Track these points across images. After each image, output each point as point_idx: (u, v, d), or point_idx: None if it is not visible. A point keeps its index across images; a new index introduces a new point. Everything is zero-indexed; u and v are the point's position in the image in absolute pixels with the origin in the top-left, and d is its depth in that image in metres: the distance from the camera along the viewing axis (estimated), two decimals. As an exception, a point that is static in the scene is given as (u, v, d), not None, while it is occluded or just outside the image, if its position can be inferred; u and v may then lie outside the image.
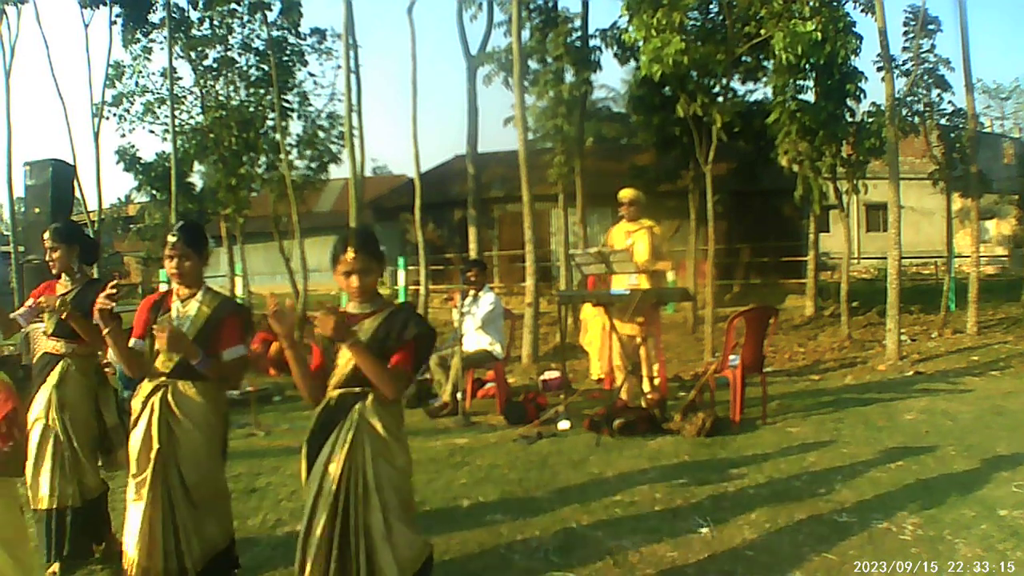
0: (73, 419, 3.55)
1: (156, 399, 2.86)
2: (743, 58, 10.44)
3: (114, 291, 2.84)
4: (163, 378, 2.90)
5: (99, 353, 3.79)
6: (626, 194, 6.79)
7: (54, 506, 3.44)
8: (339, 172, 17.69)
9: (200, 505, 2.85)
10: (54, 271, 3.71)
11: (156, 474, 2.78)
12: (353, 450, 2.47)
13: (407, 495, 2.60)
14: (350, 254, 2.52)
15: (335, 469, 2.46)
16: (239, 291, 15.16)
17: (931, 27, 10.44)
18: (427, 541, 2.67)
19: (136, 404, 2.90)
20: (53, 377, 3.58)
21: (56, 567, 3.46)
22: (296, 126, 15.39)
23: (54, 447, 3.48)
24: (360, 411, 2.51)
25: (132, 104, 14.79)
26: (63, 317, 3.45)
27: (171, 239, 2.91)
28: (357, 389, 2.54)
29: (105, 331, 2.82)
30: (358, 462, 2.47)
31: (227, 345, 2.94)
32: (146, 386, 2.92)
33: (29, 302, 3.69)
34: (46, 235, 3.67)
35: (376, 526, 2.42)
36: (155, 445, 2.80)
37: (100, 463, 3.76)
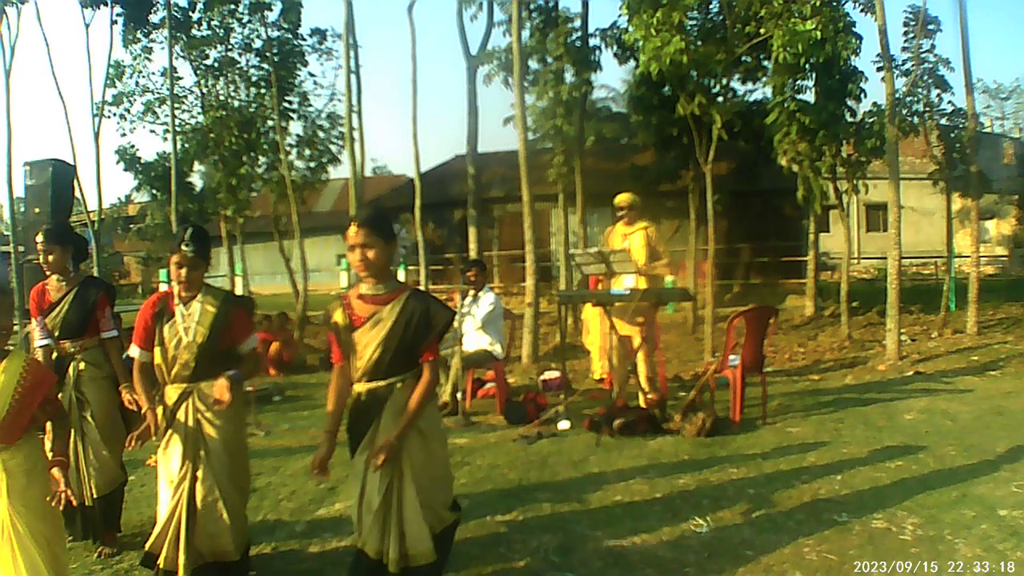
0: (96, 414, 3.62)
1: (188, 404, 2.94)
2: (743, 58, 10.44)
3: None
4: (186, 384, 2.97)
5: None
6: (623, 199, 6.73)
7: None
8: (339, 172, 17.69)
9: (240, 497, 2.99)
10: (48, 272, 3.75)
11: (183, 477, 2.89)
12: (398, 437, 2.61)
13: (440, 475, 2.80)
14: (353, 228, 2.62)
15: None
16: (239, 291, 15.16)
17: (931, 27, 10.43)
18: (455, 515, 2.92)
19: (166, 410, 2.98)
20: (70, 378, 3.65)
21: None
22: (296, 126, 15.42)
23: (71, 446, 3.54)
24: (392, 408, 2.65)
25: (132, 104, 14.78)
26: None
27: (185, 249, 2.92)
28: (384, 382, 2.67)
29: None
30: (396, 459, 2.62)
31: (241, 339, 3.05)
32: (172, 391, 2.98)
33: (36, 322, 3.74)
34: (39, 237, 3.71)
35: (411, 504, 2.61)
36: (189, 450, 2.91)
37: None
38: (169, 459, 2.94)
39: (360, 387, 2.69)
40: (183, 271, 2.94)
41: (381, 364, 2.63)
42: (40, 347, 3.72)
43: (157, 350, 2.98)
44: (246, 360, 3.06)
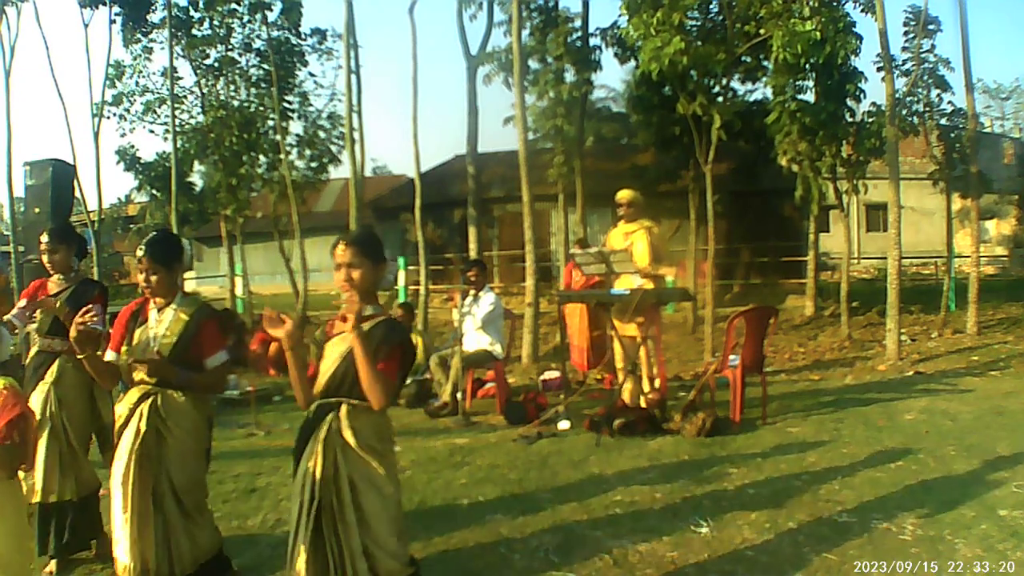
0: (70, 415, 3.62)
1: (145, 406, 2.83)
2: (743, 58, 10.44)
3: (92, 315, 2.77)
4: (150, 387, 2.88)
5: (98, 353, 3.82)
6: (624, 195, 6.69)
7: (50, 500, 3.48)
8: (339, 172, 17.70)
9: (190, 510, 2.84)
10: (52, 271, 3.76)
11: (143, 479, 2.75)
12: (324, 464, 2.43)
13: (394, 522, 2.50)
14: (341, 247, 2.55)
15: (308, 482, 2.44)
16: (239, 291, 15.17)
17: (931, 27, 10.44)
18: (410, 570, 2.56)
19: (122, 409, 2.87)
20: (50, 375, 3.64)
21: (53, 565, 3.47)
22: (296, 126, 15.42)
23: (51, 442, 3.53)
24: (332, 422, 2.47)
25: (132, 104, 14.79)
26: (61, 318, 3.47)
27: (139, 253, 2.89)
28: (333, 400, 2.50)
29: (81, 355, 2.77)
30: (329, 476, 2.42)
31: (209, 353, 2.93)
32: (133, 393, 2.89)
33: (21, 303, 3.71)
34: (44, 237, 3.72)
35: (354, 546, 2.39)
36: (137, 449, 2.77)
37: (101, 457, 3.78)
38: (119, 460, 2.81)
39: (313, 406, 2.56)
40: (141, 276, 2.89)
41: (334, 381, 2.50)
42: (11, 318, 3.63)
43: (124, 350, 2.91)
44: (209, 376, 2.93)
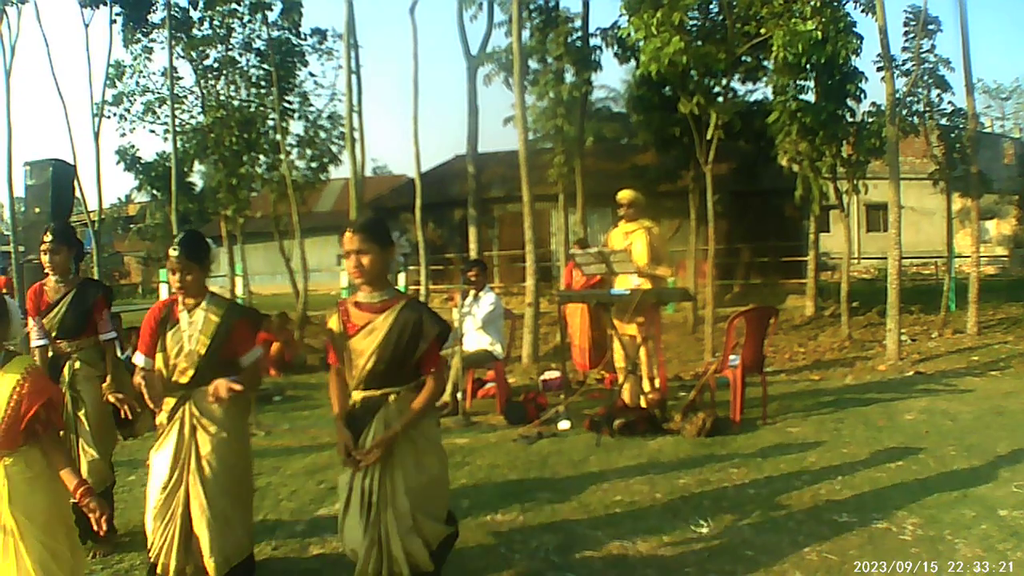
0: (90, 413, 3.64)
1: (184, 410, 2.88)
2: (743, 58, 10.44)
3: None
4: (184, 390, 2.91)
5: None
6: (624, 195, 6.68)
7: None
8: (339, 172, 17.70)
9: (230, 508, 2.86)
10: (51, 271, 3.76)
11: (178, 483, 2.83)
12: (383, 456, 2.57)
13: (433, 488, 2.67)
14: (348, 234, 2.59)
15: (367, 472, 2.58)
16: (239, 291, 15.18)
17: (931, 27, 10.44)
18: (451, 529, 2.80)
19: (162, 418, 2.92)
20: (65, 377, 3.67)
21: None
22: (297, 126, 15.43)
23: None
24: (384, 417, 2.60)
25: (132, 104, 14.81)
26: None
27: (172, 253, 2.88)
28: (378, 392, 2.62)
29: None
30: (385, 466, 2.57)
31: (244, 351, 2.98)
32: (170, 399, 2.93)
33: (33, 322, 3.76)
34: (47, 237, 3.72)
35: (404, 522, 2.55)
36: (181, 455, 2.84)
37: (119, 436, 3.83)
38: (159, 464, 2.87)
39: (356, 395, 2.67)
40: (175, 276, 2.91)
41: (375, 373, 2.60)
42: (37, 347, 3.75)
43: (159, 356, 2.93)
44: (246, 373, 2.96)
